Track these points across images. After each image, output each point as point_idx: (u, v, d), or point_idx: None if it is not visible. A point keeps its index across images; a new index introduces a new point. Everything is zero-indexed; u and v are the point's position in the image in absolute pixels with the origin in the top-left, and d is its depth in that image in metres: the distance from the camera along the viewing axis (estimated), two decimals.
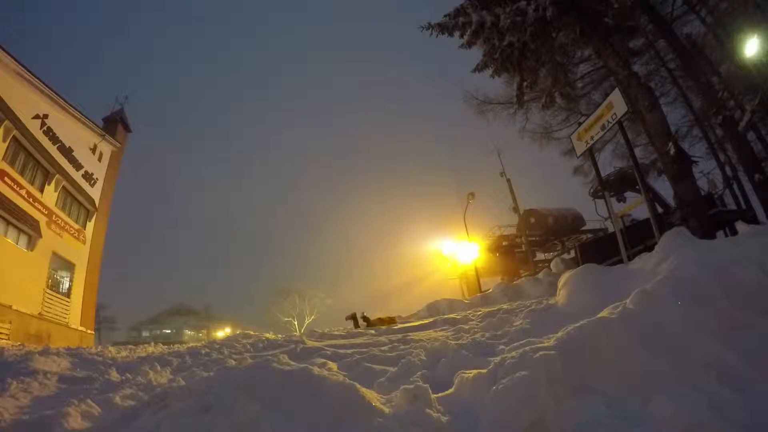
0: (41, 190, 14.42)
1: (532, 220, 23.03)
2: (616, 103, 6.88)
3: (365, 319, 10.19)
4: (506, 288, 10.03)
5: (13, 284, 12.04)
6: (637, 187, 9.47)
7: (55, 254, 14.81)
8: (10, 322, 11.40)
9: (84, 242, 17.05)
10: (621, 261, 7.04)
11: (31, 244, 13.52)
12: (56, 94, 15.09)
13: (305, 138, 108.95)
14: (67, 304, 14.93)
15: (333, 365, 3.55)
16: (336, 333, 7.65)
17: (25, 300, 12.30)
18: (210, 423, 1.98)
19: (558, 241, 23.44)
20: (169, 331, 47.77)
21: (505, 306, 7.52)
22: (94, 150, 17.99)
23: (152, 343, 10.16)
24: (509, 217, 24.39)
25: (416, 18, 9.38)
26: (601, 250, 10.13)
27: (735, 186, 12.04)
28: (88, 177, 17.36)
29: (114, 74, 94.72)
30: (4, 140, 12.51)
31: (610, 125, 7.15)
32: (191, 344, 9.32)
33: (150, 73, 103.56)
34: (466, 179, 58.42)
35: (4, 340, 10.54)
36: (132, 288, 62.09)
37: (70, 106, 15.91)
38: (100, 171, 18.34)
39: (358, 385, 2.38)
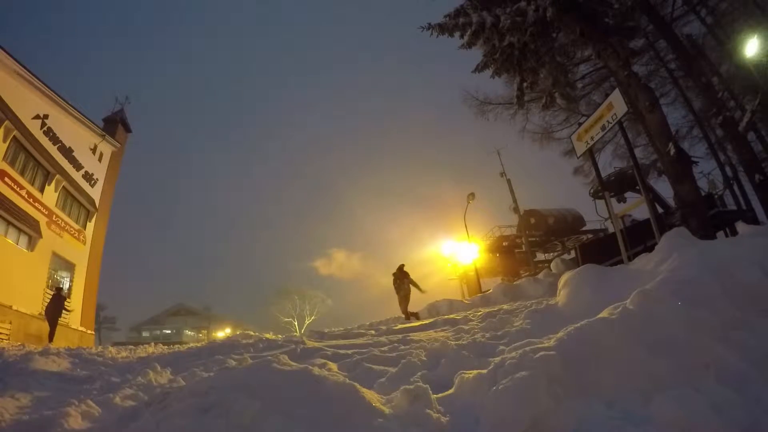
0: (41, 191, 14.44)
1: (533, 220, 23.04)
2: (616, 104, 6.88)
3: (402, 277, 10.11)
4: (506, 288, 10.02)
5: (13, 284, 12.05)
6: (638, 187, 9.46)
7: (55, 254, 14.83)
8: (10, 322, 11.41)
9: (84, 242, 17.06)
10: (621, 261, 7.04)
11: (31, 245, 13.54)
12: (56, 94, 15.12)
13: (304, 138, 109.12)
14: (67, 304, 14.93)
15: (333, 366, 3.55)
16: (336, 333, 7.65)
17: (25, 300, 12.31)
18: (210, 423, 1.98)
19: (558, 242, 23.46)
20: (169, 332, 47.81)
21: (505, 306, 7.52)
22: (94, 150, 18.01)
23: (152, 344, 10.17)
24: (510, 218, 24.39)
25: (416, 17, 9.41)
26: (601, 250, 10.13)
27: (735, 186, 12.05)
28: (88, 177, 17.39)
29: (114, 74, 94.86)
30: (4, 140, 12.52)
31: (611, 125, 7.15)
32: (191, 345, 9.32)
33: (150, 73, 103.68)
34: (467, 179, 58.48)
35: (4, 340, 10.54)
36: (132, 288, 62.21)
37: (71, 106, 15.94)
38: (100, 171, 18.37)
39: (358, 386, 2.38)
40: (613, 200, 11.94)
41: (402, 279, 10.07)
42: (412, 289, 10.03)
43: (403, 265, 10.33)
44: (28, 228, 13.26)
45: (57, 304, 11.21)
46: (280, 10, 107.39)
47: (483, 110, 12.81)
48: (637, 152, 11.71)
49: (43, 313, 11.41)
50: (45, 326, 12.55)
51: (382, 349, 4.51)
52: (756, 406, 1.94)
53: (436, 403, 2.30)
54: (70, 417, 2.41)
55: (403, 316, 9.95)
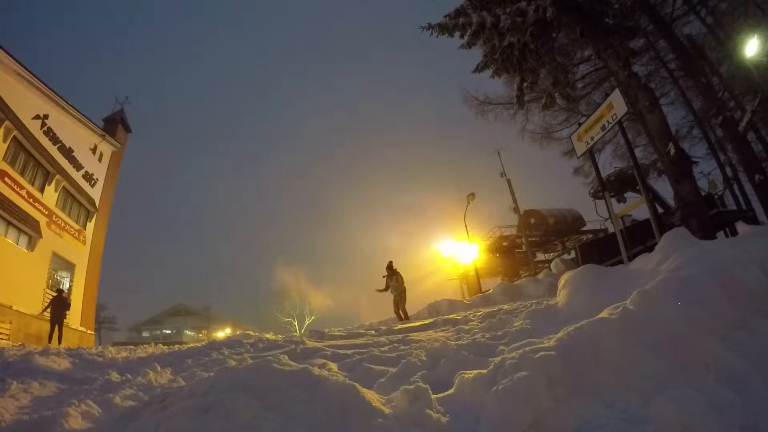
0: (41, 191, 14.44)
1: (533, 220, 23.05)
2: (617, 104, 6.87)
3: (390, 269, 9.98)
4: (506, 288, 10.01)
5: (13, 284, 12.05)
6: (638, 187, 9.47)
7: (55, 254, 14.83)
8: (10, 322, 11.42)
9: (84, 242, 17.06)
10: (621, 261, 7.04)
11: (31, 245, 13.54)
12: (56, 94, 15.13)
13: (304, 139, 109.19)
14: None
15: (333, 366, 3.55)
16: (336, 333, 7.65)
17: (25, 300, 12.31)
18: (210, 423, 1.98)
19: (558, 242, 23.48)
20: (169, 332, 47.82)
21: (505, 306, 7.51)
22: (94, 150, 18.02)
23: (152, 344, 10.18)
24: (510, 218, 24.39)
25: (416, 17, 9.40)
26: (601, 250, 10.13)
27: (735, 186, 12.06)
28: (88, 177, 17.39)
29: (114, 74, 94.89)
30: (4, 140, 12.53)
31: (611, 126, 7.14)
32: (191, 345, 9.33)
33: (150, 73, 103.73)
34: (467, 179, 58.46)
35: (4, 340, 10.55)
36: (132, 288, 62.25)
37: (71, 106, 15.94)
38: (100, 171, 18.38)
39: (358, 386, 2.38)
40: (613, 200, 11.95)
41: (392, 277, 9.81)
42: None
43: (391, 262, 10.05)
44: (28, 228, 13.26)
45: (60, 305, 11.16)
46: (281, 11, 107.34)
47: (483, 110, 12.84)
48: (637, 152, 11.73)
49: (49, 318, 11.34)
50: (45, 326, 12.59)
51: (382, 349, 4.51)
52: (756, 406, 1.94)
53: (436, 403, 2.30)
54: (70, 417, 2.41)
55: (403, 316, 9.73)
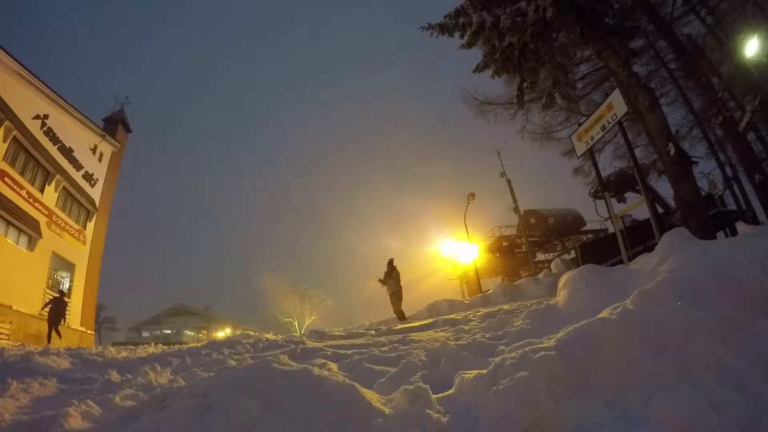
0: (41, 191, 14.44)
1: (533, 220, 23.04)
2: (617, 104, 6.87)
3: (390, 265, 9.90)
4: (506, 288, 10.01)
5: (13, 284, 12.05)
6: (638, 187, 9.47)
7: (55, 254, 14.83)
8: (10, 322, 11.41)
9: (84, 242, 17.06)
10: (621, 261, 7.03)
11: (31, 245, 13.54)
12: (56, 94, 15.13)
13: (305, 139, 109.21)
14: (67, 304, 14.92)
15: (333, 366, 3.54)
16: (336, 333, 7.65)
17: (25, 300, 12.31)
18: (210, 423, 1.98)
19: (558, 242, 23.48)
20: (169, 332, 47.80)
21: (505, 306, 7.51)
22: (94, 150, 18.02)
23: (152, 344, 10.18)
24: (510, 218, 24.37)
25: (417, 17, 9.39)
26: (601, 250, 10.12)
27: (735, 186, 12.07)
28: (88, 177, 17.39)
29: (114, 74, 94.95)
30: (4, 140, 12.53)
31: (611, 126, 7.14)
32: (191, 345, 9.33)
33: (150, 73, 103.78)
34: (467, 179, 58.44)
35: (4, 340, 10.55)
36: (132, 288, 62.27)
37: (71, 106, 15.95)
38: (100, 171, 18.38)
39: (358, 386, 2.38)
40: (613, 200, 11.95)
41: (391, 274, 9.76)
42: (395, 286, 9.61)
43: (392, 260, 9.97)
44: (28, 228, 13.26)
45: (58, 307, 11.14)
46: (281, 10, 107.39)
47: (483, 110, 12.84)
48: (637, 152, 11.74)
49: (46, 317, 11.31)
50: (45, 326, 12.60)
51: (382, 349, 4.51)
52: (756, 406, 1.94)
53: (436, 403, 2.30)
54: (70, 417, 2.41)
55: (399, 316, 9.68)
